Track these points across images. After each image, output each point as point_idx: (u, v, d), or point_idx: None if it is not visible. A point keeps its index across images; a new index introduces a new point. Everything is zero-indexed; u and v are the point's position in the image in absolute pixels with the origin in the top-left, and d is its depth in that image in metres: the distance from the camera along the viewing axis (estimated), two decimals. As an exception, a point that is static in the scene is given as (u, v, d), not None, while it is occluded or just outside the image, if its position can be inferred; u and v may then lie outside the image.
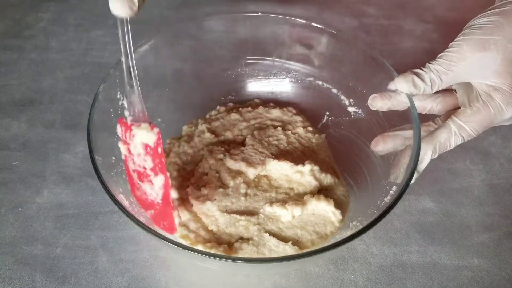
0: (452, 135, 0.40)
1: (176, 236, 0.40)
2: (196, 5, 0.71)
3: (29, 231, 0.44)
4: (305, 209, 0.42)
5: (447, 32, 0.68)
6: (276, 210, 0.42)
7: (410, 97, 0.41)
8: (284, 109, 0.53)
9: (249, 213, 0.42)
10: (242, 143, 0.49)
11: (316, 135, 0.50)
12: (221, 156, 0.47)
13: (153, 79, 0.50)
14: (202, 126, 0.51)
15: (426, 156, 0.40)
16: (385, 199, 0.40)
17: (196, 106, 0.53)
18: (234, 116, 0.52)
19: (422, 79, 0.40)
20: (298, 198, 0.43)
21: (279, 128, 0.50)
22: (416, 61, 0.62)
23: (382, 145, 0.43)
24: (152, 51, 0.48)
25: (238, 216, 0.41)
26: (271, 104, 0.54)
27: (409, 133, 0.41)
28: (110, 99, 0.44)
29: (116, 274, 0.41)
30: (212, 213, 0.42)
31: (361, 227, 0.35)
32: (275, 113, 0.53)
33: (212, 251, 0.39)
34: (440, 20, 0.70)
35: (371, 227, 0.34)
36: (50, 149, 0.51)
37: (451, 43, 0.41)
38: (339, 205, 0.43)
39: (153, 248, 0.43)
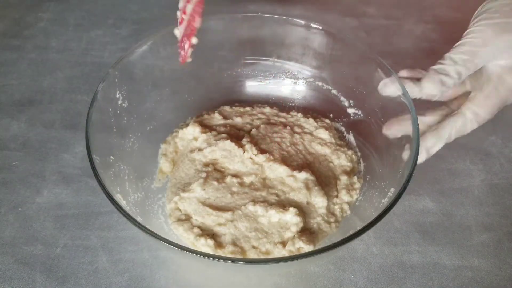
0: (468, 122, 0.39)
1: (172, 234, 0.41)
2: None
3: (29, 231, 0.44)
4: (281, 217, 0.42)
5: (447, 32, 0.68)
6: (257, 210, 0.42)
7: (413, 110, 0.41)
8: (317, 119, 0.53)
9: (227, 209, 0.43)
10: (249, 132, 0.50)
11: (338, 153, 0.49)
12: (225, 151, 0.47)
13: (152, 79, 0.50)
14: (215, 114, 0.52)
15: (440, 142, 0.39)
16: (383, 200, 0.40)
17: (195, 106, 0.53)
18: (246, 109, 0.54)
19: (448, 74, 0.39)
20: (285, 203, 0.43)
21: (288, 128, 0.51)
22: (416, 61, 0.62)
23: (396, 128, 0.42)
24: (152, 51, 0.48)
25: (210, 210, 0.42)
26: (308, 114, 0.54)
27: (427, 119, 0.41)
28: (109, 98, 0.44)
29: (116, 274, 0.41)
30: (191, 201, 0.43)
31: (359, 228, 0.35)
32: (304, 121, 0.52)
33: (202, 241, 0.39)
34: (440, 20, 0.70)
35: (370, 227, 0.34)
36: (49, 149, 0.51)
37: (469, 30, 0.39)
38: (312, 233, 0.42)
39: (153, 248, 0.43)
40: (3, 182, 0.48)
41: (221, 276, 0.42)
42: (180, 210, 0.43)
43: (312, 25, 0.51)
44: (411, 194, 0.49)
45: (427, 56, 0.64)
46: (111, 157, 0.41)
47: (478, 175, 0.51)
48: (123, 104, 0.45)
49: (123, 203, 0.38)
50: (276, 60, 0.55)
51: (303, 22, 0.51)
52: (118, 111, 0.45)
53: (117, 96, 0.45)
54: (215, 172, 0.46)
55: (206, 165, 0.46)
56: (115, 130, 0.44)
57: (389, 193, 0.40)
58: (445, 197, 0.49)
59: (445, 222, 0.46)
